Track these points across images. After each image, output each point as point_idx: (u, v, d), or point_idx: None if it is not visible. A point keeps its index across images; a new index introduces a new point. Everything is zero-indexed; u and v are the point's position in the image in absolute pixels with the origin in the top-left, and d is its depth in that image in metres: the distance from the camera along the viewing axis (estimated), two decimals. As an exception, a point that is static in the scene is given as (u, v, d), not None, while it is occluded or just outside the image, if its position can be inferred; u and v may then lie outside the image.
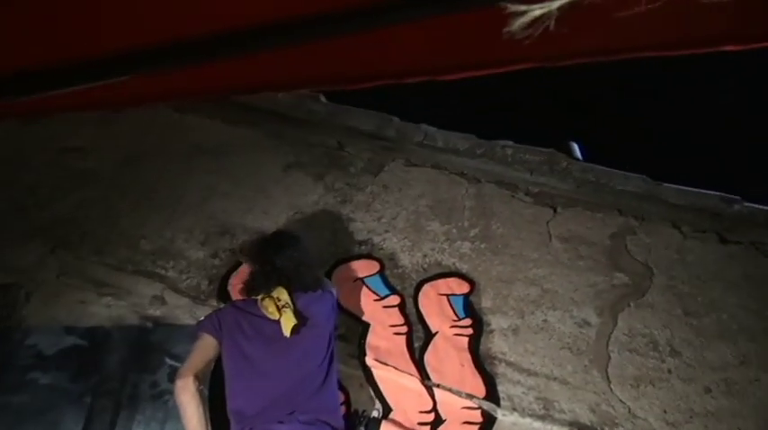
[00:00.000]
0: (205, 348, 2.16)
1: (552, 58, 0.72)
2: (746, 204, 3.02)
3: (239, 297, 2.49)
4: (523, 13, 0.64)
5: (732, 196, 3.02)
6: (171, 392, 2.23)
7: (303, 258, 2.39)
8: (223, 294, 2.83)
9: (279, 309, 2.15)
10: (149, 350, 2.70)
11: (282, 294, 2.21)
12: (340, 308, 2.61)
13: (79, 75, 0.88)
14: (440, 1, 0.72)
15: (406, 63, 0.80)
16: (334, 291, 2.51)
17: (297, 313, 2.18)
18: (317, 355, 2.20)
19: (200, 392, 2.07)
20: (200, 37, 0.82)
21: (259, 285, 2.30)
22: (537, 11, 0.64)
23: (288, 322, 2.14)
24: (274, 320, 2.17)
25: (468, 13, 0.71)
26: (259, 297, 2.27)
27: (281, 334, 2.13)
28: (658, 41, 0.79)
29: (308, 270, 2.39)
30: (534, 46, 0.66)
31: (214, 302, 2.80)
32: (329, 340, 2.29)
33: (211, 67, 0.89)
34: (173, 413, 2.36)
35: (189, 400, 2.01)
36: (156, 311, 2.82)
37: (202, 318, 2.34)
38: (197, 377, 2.07)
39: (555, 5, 0.63)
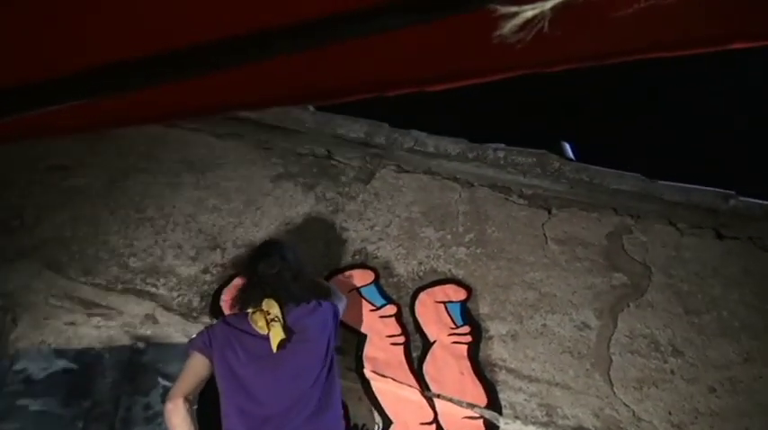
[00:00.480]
0: (196, 368, 2.09)
1: (546, 63, 0.68)
2: (742, 199, 2.98)
3: (230, 312, 2.43)
4: (515, 14, 0.60)
5: (727, 191, 2.98)
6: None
7: (288, 264, 2.27)
8: (215, 310, 2.77)
9: (268, 323, 2.08)
10: (142, 371, 2.64)
11: (273, 307, 2.13)
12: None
13: (64, 91, 0.83)
14: (425, 7, 0.68)
15: (391, 74, 0.76)
16: (341, 306, 2.42)
17: (285, 327, 2.10)
18: (311, 372, 2.12)
19: (191, 413, 2.00)
20: (177, 51, 0.78)
21: (247, 297, 2.22)
22: (529, 12, 0.60)
23: (276, 337, 2.06)
24: (264, 336, 2.09)
25: (457, 15, 0.66)
26: (249, 310, 2.18)
27: (271, 350, 2.06)
28: (655, 41, 0.75)
29: (296, 276, 2.27)
30: (526, 50, 0.62)
31: (207, 319, 2.75)
32: (325, 354, 2.18)
33: (187, 86, 0.84)
34: (167, 436, 2.30)
35: (180, 424, 1.95)
36: (147, 331, 2.76)
37: (194, 335, 2.27)
38: (187, 399, 2.00)
39: (548, 5, 0.59)
